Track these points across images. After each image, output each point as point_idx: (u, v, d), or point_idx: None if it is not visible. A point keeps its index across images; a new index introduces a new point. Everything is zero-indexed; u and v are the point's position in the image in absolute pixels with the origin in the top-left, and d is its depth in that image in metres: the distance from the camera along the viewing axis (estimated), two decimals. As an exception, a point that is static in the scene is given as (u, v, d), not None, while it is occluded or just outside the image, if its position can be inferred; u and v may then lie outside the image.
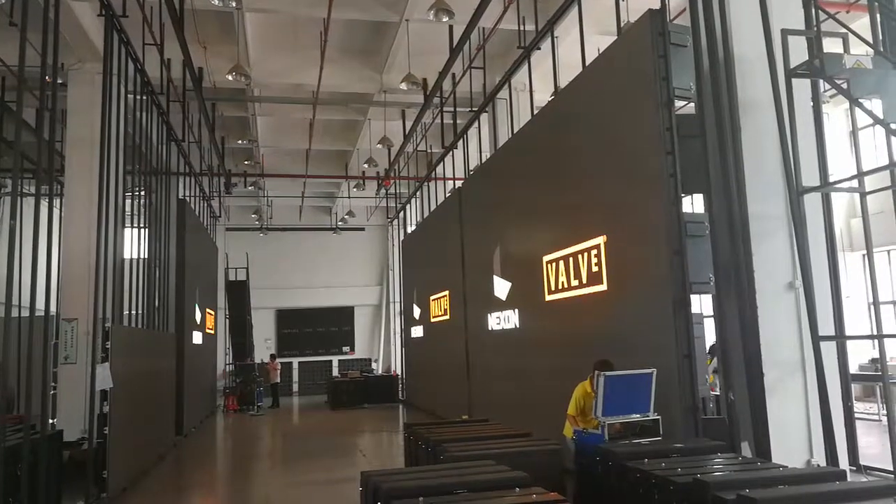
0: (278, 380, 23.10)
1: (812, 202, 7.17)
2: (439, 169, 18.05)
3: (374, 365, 27.23)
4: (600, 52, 8.72)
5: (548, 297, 9.87)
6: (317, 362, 27.90)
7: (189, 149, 15.68)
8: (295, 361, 27.81)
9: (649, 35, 7.16)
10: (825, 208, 7.74)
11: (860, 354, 14.49)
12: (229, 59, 12.86)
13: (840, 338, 7.61)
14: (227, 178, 19.60)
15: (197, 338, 17.13)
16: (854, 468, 7.84)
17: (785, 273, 6.90)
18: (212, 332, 20.58)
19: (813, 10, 7.26)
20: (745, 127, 6.93)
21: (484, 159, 16.00)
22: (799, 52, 7.12)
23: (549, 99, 10.57)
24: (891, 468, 7.69)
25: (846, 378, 8.08)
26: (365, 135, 18.42)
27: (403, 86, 12.74)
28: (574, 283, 9.04)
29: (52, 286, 7.43)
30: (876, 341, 10.15)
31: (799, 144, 7.04)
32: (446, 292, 16.16)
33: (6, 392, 7.24)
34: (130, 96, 10.97)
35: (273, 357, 23.80)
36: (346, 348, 28.35)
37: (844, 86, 7.06)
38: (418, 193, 21.37)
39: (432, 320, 17.87)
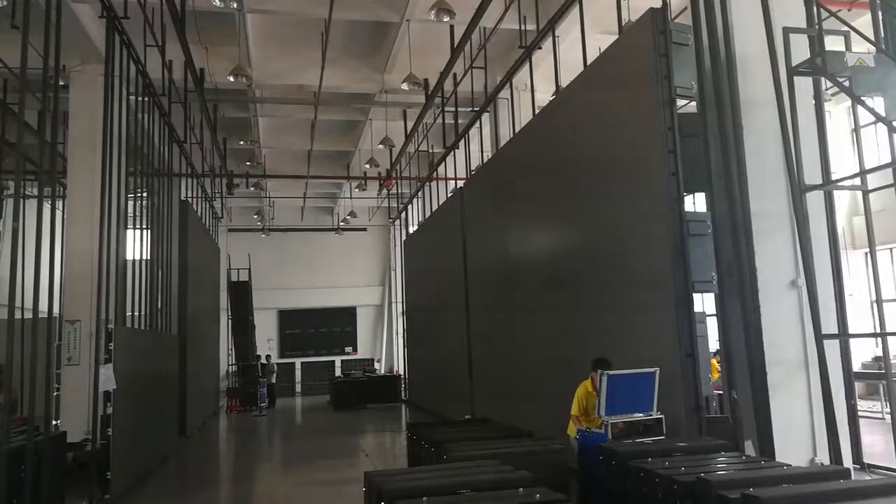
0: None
1: (814, 200, 7.16)
2: (441, 169, 18.05)
3: (376, 365, 27.23)
4: (601, 51, 8.71)
5: (549, 298, 9.86)
6: (319, 363, 27.89)
7: (191, 150, 15.69)
8: (297, 362, 27.83)
9: (651, 34, 7.16)
10: (827, 206, 7.73)
11: (863, 352, 14.46)
12: (231, 59, 12.86)
13: (843, 336, 7.60)
14: (228, 179, 19.62)
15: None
16: (858, 466, 7.82)
17: (787, 271, 6.89)
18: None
19: (815, 8, 7.25)
20: (747, 125, 6.92)
21: (485, 159, 16.01)
22: (801, 50, 7.11)
23: (551, 98, 10.57)
24: (895, 466, 7.69)
25: (849, 376, 8.07)
26: (366, 135, 18.42)
27: (405, 86, 12.74)
28: (575, 283, 9.04)
29: (55, 288, 7.43)
30: (879, 339, 10.14)
31: (801, 142, 7.04)
32: (448, 292, 16.15)
33: (10, 394, 7.25)
34: (132, 97, 10.97)
35: (269, 357, 23.85)
36: (348, 349, 28.35)
37: (846, 83, 7.05)
38: (420, 193, 21.38)
39: (434, 320, 17.86)
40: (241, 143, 18.67)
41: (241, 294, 24.05)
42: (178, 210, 14.91)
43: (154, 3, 10.47)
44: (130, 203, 11.49)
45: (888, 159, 7.48)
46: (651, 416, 6.44)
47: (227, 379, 24.32)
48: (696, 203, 8.52)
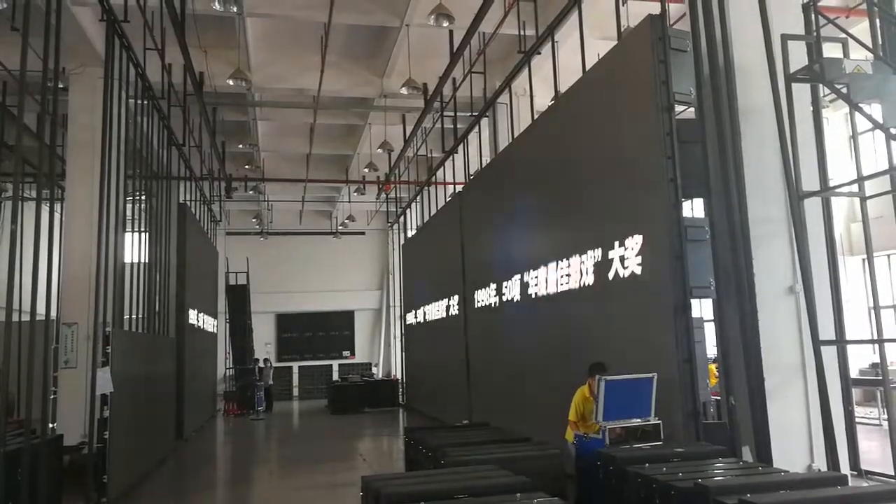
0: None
1: (812, 207, 7.18)
2: (440, 173, 18.08)
3: (374, 369, 27.20)
4: (601, 56, 8.74)
5: (547, 302, 9.86)
6: (317, 366, 27.87)
7: (190, 153, 15.70)
8: (295, 366, 27.79)
9: (649, 40, 7.18)
10: (825, 213, 7.75)
11: (861, 359, 14.48)
12: (230, 63, 12.89)
13: (840, 342, 7.61)
14: (227, 183, 19.62)
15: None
16: (855, 473, 7.83)
17: (785, 277, 6.90)
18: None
19: (813, 16, 7.29)
20: (746, 132, 6.94)
21: (484, 164, 16.02)
22: (799, 56, 7.13)
23: (550, 103, 10.58)
24: (892, 473, 7.69)
25: (847, 382, 8.08)
26: (365, 139, 18.45)
27: (404, 90, 12.76)
28: (574, 287, 9.05)
29: (53, 290, 7.43)
30: (876, 345, 10.15)
31: (799, 149, 7.05)
32: (447, 296, 16.16)
33: (7, 396, 7.23)
34: (131, 101, 10.98)
35: (266, 361, 23.85)
36: (346, 352, 28.33)
37: (844, 90, 7.08)
38: (419, 198, 21.39)
39: (432, 324, 17.85)
40: (240, 146, 18.68)
41: (239, 297, 24.07)
42: (177, 213, 14.91)
43: (154, 6, 10.48)
44: (129, 206, 11.49)
45: (886, 166, 7.50)
46: (649, 421, 6.45)
47: (225, 382, 24.30)
48: (694, 209, 8.54)
